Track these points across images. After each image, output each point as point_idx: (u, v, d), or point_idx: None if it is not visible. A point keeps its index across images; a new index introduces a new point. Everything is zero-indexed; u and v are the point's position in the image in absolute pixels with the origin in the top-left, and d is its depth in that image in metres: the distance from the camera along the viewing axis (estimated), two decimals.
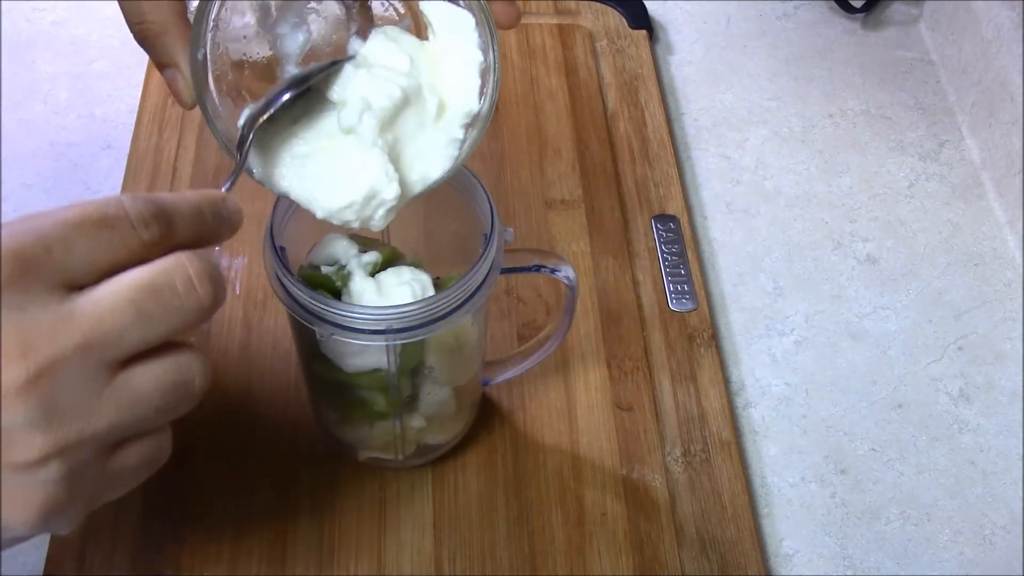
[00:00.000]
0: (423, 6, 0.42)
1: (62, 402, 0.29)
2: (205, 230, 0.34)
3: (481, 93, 0.42)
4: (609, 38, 0.76)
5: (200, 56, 0.39)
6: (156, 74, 0.70)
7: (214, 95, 0.40)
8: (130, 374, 0.31)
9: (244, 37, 0.41)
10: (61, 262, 0.30)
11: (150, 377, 0.32)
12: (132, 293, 0.31)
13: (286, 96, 0.40)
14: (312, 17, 0.43)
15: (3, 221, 0.30)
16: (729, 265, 0.67)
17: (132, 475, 0.33)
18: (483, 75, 0.42)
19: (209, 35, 0.39)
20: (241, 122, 0.41)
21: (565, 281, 0.50)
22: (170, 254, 0.32)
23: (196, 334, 0.59)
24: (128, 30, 0.41)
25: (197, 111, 0.40)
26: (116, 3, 0.41)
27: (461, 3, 0.41)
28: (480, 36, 0.42)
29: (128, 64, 0.74)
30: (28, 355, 0.29)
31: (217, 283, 0.33)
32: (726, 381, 0.60)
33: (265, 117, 0.40)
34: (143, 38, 0.41)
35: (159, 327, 0.31)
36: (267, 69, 0.42)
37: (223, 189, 0.37)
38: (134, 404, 0.31)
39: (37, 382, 0.29)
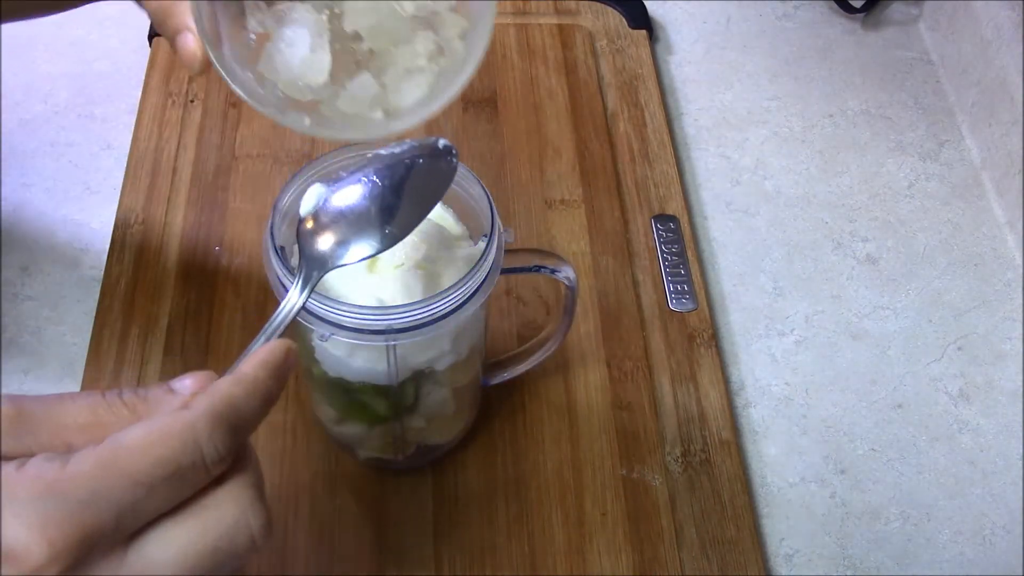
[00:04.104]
0: None
1: None
2: (269, 409, 0.32)
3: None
4: (609, 38, 0.76)
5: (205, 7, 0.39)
6: (156, 74, 0.71)
7: (224, 42, 0.40)
8: None
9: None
10: (128, 528, 0.28)
11: None
12: (192, 560, 0.29)
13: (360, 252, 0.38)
14: None
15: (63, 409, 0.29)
16: (729, 265, 0.67)
17: None
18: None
19: None
20: (304, 211, 0.39)
21: (565, 281, 0.50)
22: (231, 504, 0.30)
23: (197, 332, 0.59)
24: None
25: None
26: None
27: None
28: None
29: (128, 64, 0.74)
30: None
31: (271, 529, 0.31)
32: (726, 381, 0.60)
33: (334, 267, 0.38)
34: (158, 11, 0.40)
35: None
36: None
37: (275, 328, 0.36)
38: None
39: None
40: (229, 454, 0.30)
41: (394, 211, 0.38)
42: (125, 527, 0.28)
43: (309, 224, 0.39)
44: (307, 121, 0.42)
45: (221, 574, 0.30)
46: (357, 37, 0.43)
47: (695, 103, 0.76)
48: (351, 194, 0.38)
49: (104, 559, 0.28)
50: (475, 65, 0.42)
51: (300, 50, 0.41)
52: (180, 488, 0.29)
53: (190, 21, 0.39)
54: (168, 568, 0.29)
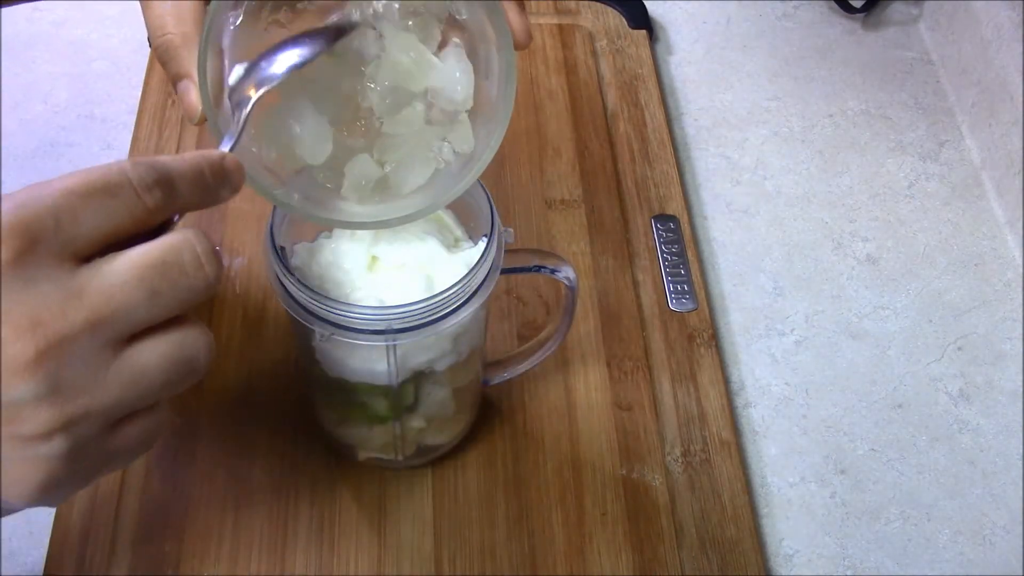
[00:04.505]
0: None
1: (69, 377, 0.29)
2: (206, 192, 0.34)
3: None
4: (609, 38, 0.76)
5: (209, 61, 0.39)
6: (156, 74, 0.71)
7: (227, 105, 0.40)
8: (136, 350, 0.31)
9: None
10: (69, 233, 0.30)
11: (156, 353, 0.32)
12: (142, 271, 0.31)
13: (291, 61, 0.39)
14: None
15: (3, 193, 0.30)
16: (729, 265, 0.67)
17: (131, 451, 0.33)
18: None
19: (227, 34, 0.39)
20: (233, 80, 0.39)
21: (565, 282, 0.50)
22: (177, 231, 0.32)
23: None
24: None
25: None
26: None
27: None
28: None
29: (128, 64, 0.74)
30: (37, 330, 0.29)
31: (220, 261, 0.33)
32: (726, 381, 0.60)
33: (268, 88, 0.39)
34: (164, 51, 0.40)
35: (167, 304, 0.31)
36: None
37: (223, 148, 0.37)
38: (139, 380, 0.31)
39: (45, 357, 0.29)
40: (157, 186, 0.31)
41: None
42: (66, 233, 0.30)
43: (239, 85, 0.39)
44: (296, 197, 0.42)
45: (170, 294, 0.31)
46: (371, 111, 0.43)
47: (695, 103, 0.76)
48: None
49: (51, 263, 0.30)
50: (473, 177, 0.43)
51: (304, 130, 0.42)
52: (114, 206, 0.31)
53: (193, 70, 0.39)
54: (118, 276, 0.31)
